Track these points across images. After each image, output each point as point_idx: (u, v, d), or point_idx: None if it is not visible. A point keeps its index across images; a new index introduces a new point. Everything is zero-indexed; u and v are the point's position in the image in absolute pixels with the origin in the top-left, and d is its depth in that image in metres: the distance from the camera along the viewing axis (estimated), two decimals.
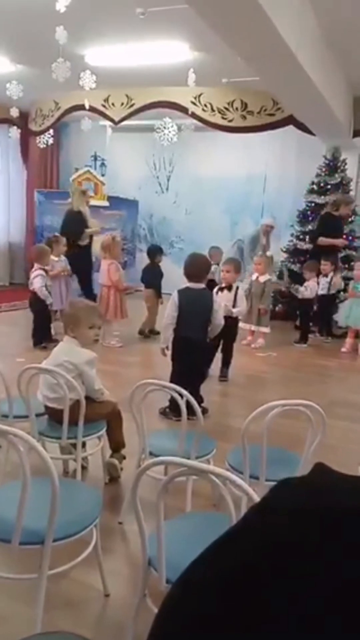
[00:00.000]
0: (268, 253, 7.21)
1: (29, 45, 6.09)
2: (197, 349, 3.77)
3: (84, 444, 2.67)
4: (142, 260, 10.00)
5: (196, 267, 3.81)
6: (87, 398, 2.58)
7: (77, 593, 1.98)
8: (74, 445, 2.56)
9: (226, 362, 4.94)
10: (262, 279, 6.17)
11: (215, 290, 4.87)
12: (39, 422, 2.62)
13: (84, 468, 2.82)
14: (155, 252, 6.54)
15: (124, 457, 2.83)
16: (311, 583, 0.32)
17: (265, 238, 7.58)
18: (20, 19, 5.34)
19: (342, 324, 6.65)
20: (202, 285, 3.79)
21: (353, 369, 5.87)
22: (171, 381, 3.07)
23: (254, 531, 0.37)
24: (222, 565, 0.36)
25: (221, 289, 4.84)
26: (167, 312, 3.77)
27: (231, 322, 4.78)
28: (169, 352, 3.82)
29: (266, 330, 6.24)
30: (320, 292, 6.63)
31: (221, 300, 4.76)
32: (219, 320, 3.78)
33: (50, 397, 2.59)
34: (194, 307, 3.70)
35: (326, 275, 6.69)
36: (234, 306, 4.75)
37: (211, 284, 4.91)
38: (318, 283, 6.62)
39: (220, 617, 0.34)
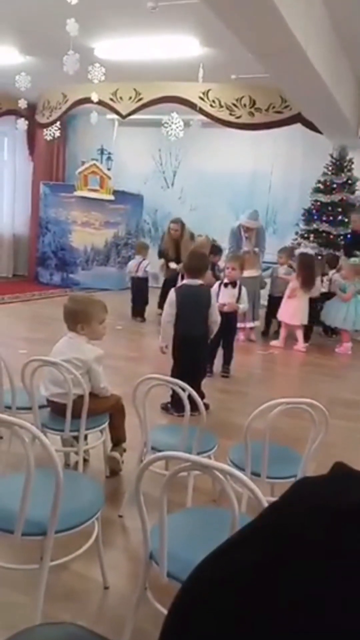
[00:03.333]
0: (246, 248, 6.57)
1: (38, 36, 6.07)
2: (198, 345, 3.78)
3: (85, 437, 2.67)
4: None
5: (195, 262, 3.82)
6: (91, 393, 2.58)
7: (77, 584, 1.99)
8: (76, 438, 2.56)
9: (228, 359, 4.95)
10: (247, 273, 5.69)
11: (217, 285, 4.89)
12: (41, 414, 2.62)
13: (85, 461, 2.83)
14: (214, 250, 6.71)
15: (125, 450, 2.84)
16: (327, 579, 0.33)
17: (247, 238, 6.71)
18: (31, 10, 5.33)
19: (337, 326, 6.44)
20: (200, 282, 3.80)
21: (353, 368, 5.87)
22: (172, 377, 3.08)
23: (270, 529, 0.37)
24: (237, 563, 0.36)
25: (225, 285, 4.87)
26: (165, 310, 3.78)
27: (232, 318, 4.81)
28: (168, 350, 3.83)
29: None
30: (323, 290, 6.63)
31: (226, 296, 4.79)
32: (215, 316, 3.79)
33: (55, 392, 2.58)
34: (192, 304, 3.71)
35: (326, 274, 6.74)
36: (237, 302, 4.80)
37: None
38: (322, 282, 6.62)
39: (236, 614, 0.34)
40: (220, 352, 4.91)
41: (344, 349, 6.31)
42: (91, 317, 2.61)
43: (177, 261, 6.80)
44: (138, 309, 7.21)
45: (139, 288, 7.17)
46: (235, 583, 0.35)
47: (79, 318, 2.60)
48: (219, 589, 0.36)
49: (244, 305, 4.86)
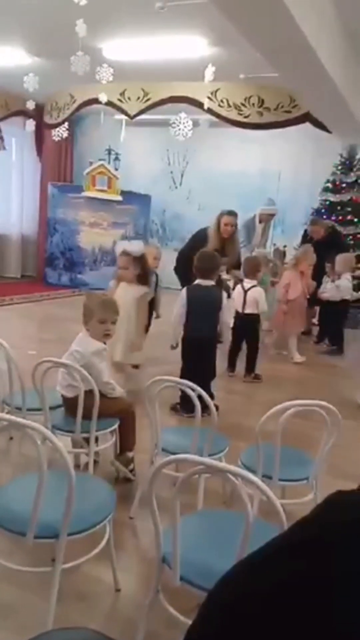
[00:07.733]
0: (259, 250, 6.48)
1: (46, 37, 6.08)
2: (207, 346, 3.76)
3: (96, 438, 2.67)
4: None
5: (206, 263, 3.80)
6: (100, 394, 2.57)
7: (89, 587, 1.98)
8: (86, 440, 2.56)
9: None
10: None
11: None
12: (52, 415, 2.62)
13: (95, 462, 2.82)
14: None
15: (131, 459, 2.79)
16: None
17: (262, 228, 6.81)
18: (38, 10, 5.33)
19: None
20: (212, 282, 3.78)
21: None
22: (181, 378, 3.07)
23: (309, 542, 0.36)
24: (274, 576, 0.35)
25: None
26: (176, 310, 3.77)
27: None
28: (178, 347, 3.83)
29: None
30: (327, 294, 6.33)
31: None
32: (225, 318, 3.77)
33: (64, 385, 2.60)
34: (203, 304, 3.69)
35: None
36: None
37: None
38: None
39: (274, 629, 0.33)
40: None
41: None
42: (92, 314, 2.66)
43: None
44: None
45: None
46: (275, 597, 0.34)
47: (84, 312, 2.71)
48: (257, 604, 0.35)
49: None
